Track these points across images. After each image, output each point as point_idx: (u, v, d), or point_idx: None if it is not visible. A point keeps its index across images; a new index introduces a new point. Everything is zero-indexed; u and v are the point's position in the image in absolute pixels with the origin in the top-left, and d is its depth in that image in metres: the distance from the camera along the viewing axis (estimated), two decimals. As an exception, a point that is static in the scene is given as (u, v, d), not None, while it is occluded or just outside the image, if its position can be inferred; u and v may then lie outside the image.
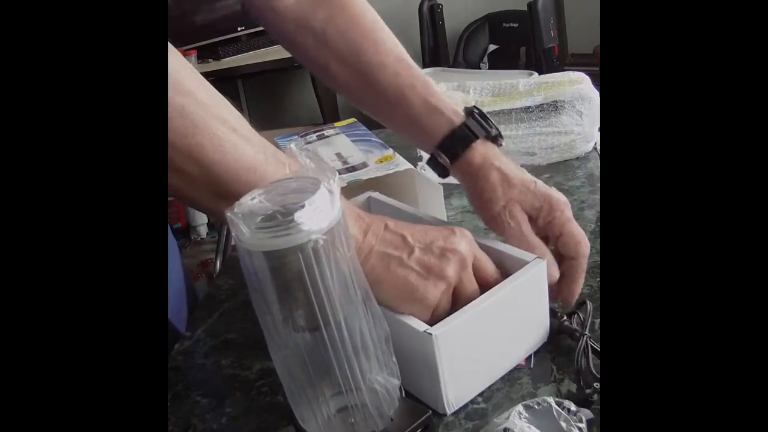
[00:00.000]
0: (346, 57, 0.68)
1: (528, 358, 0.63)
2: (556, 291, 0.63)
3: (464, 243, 0.56)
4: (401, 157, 0.86)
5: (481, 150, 0.64)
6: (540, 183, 0.63)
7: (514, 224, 0.61)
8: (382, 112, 0.70)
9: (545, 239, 0.62)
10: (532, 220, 0.62)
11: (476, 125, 0.65)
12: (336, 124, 1.06)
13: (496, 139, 0.66)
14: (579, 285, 0.62)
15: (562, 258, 0.62)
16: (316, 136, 1.03)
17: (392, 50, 0.69)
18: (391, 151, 0.89)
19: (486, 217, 0.64)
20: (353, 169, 0.87)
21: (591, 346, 0.60)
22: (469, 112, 0.66)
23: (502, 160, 0.64)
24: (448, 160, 0.65)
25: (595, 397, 0.55)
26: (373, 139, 0.97)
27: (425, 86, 0.67)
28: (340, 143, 0.98)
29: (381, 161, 0.88)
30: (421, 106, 0.66)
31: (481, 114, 0.66)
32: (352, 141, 0.99)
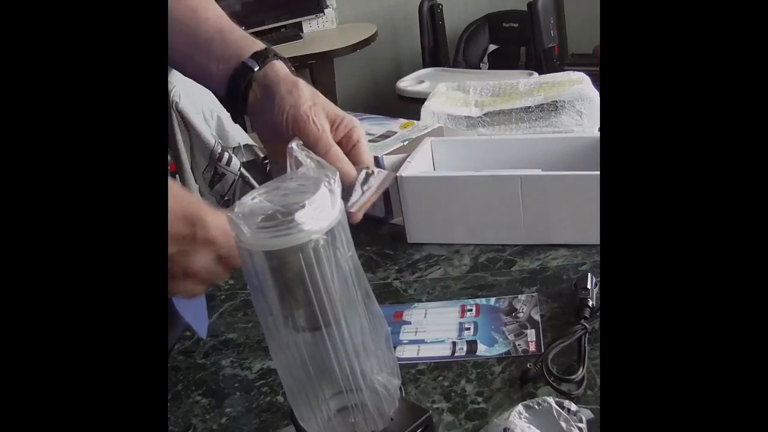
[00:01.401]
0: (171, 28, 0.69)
1: (533, 358, 0.63)
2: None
3: (201, 260, 0.55)
4: (418, 122, 0.99)
5: (285, 67, 0.67)
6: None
7: (318, 122, 0.62)
8: (199, 56, 0.70)
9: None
10: (332, 129, 0.64)
11: (275, 51, 0.68)
12: None
13: (289, 66, 0.69)
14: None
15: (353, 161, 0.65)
16: None
17: (218, 15, 0.71)
18: (402, 120, 1.00)
19: (292, 116, 0.63)
20: (384, 137, 0.96)
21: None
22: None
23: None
24: (256, 65, 0.66)
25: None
26: (367, 116, 1.03)
27: (244, 33, 0.71)
28: None
29: (405, 126, 1.00)
30: (239, 38, 0.69)
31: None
32: None
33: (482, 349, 0.67)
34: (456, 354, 0.67)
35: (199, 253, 0.54)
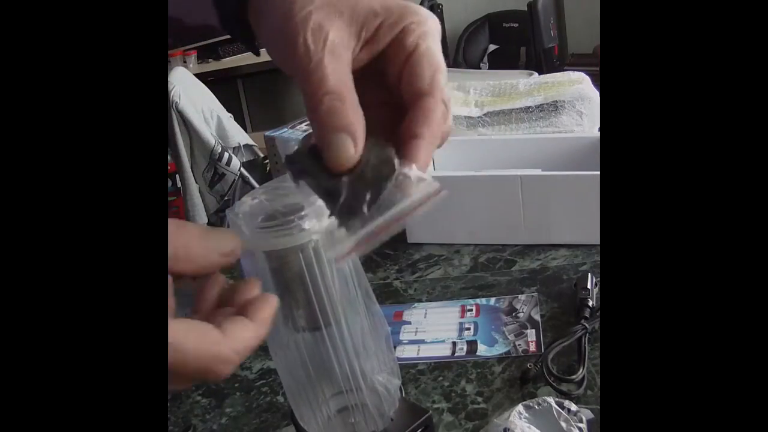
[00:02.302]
0: None
1: (533, 358, 0.63)
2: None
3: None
4: None
5: None
6: None
7: (312, 44, 0.33)
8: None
9: (383, 82, 0.37)
10: (367, 38, 0.35)
11: None
12: None
13: None
14: (437, 137, 0.35)
15: (411, 98, 0.35)
16: (306, 125, 1.04)
17: None
18: None
19: (282, 38, 0.35)
20: None
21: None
22: None
23: None
24: None
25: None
26: None
27: None
28: None
29: None
30: None
31: None
32: None
33: (482, 349, 0.67)
34: (456, 354, 0.67)
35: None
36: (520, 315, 0.71)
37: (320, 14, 0.34)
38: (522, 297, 0.74)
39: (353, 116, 0.33)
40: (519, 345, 0.67)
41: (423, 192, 0.33)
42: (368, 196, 0.33)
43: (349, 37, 0.34)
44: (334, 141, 0.33)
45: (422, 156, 0.34)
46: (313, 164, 0.34)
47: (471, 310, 0.74)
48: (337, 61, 0.33)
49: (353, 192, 0.33)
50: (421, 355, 0.68)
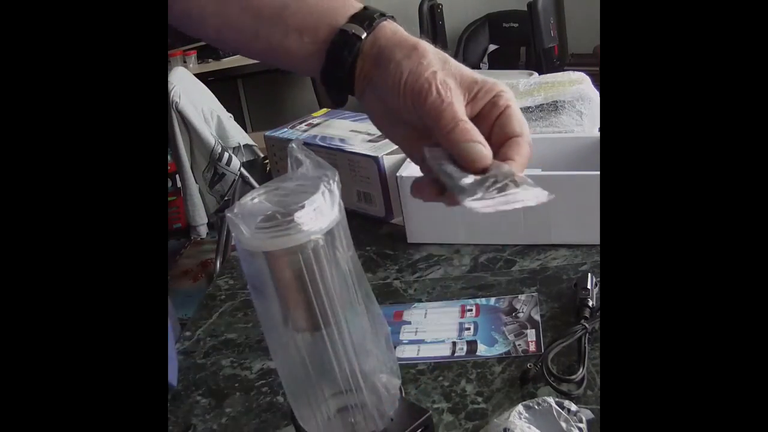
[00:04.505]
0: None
1: (533, 358, 0.63)
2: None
3: None
4: None
5: (397, 27, 0.52)
6: None
7: (443, 91, 0.46)
8: (264, 29, 0.55)
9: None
10: (469, 100, 0.48)
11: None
12: (314, 114, 1.08)
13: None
14: (525, 162, 0.48)
15: (501, 140, 0.48)
16: (306, 125, 1.04)
17: None
18: None
19: (411, 82, 0.47)
20: (384, 137, 0.92)
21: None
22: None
23: None
24: (362, 30, 0.51)
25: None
26: (366, 116, 1.03)
27: None
28: (343, 125, 1.00)
29: None
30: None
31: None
32: (352, 121, 1.02)
33: (482, 349, 0.67)
34: (456, 354, 0.67)
35: None
36: (520, 315, 0.71)
37: (443, 74, 0.47)
38: (522, 297, 0.74)
39: (479, 133, 0.46)
40: (519, 345, 0.67)
41: (533, 192, 0.44)
42: (493, 182, 0.43)
43: (460, 93, 0.47)
44: (471, 148, 0.45)
45: (525, 150, 0.48)
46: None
47: (471, 310, 0.74)
48: (460, 104, 0.47)
49: (483, 179, 0.44)
50: (421, 355, 0.68)
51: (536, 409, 0.53)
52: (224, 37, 0.58)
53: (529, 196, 0.44)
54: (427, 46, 0.49)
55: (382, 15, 0.52)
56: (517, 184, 0.44)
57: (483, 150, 0.45)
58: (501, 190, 0.43)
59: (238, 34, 0.56)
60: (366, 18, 0.51)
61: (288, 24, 0.53)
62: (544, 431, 0.51)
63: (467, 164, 0.45)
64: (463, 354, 0.67)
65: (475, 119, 0.48)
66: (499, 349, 0.67)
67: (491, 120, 0.48)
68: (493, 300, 0.75)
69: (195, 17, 0.57)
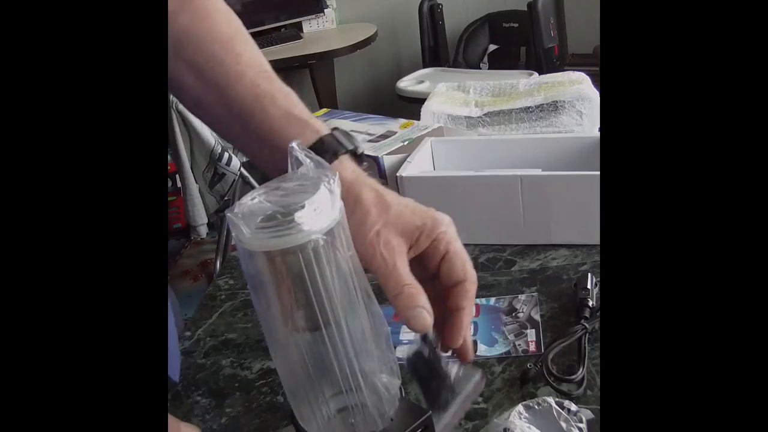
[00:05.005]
0: (202, 68, 0.62)
1: (532, 359, 0.63)
2: (444, 338, 0.52)
3: None
4: (418, 122, 0.98)
5: (350, 165, 0.55)
6: (417, 203, 0.54)
7: (386, 254, 0.50)
8: (235, 127, 0.61)
9: (424, 269, 0.52)
10: (412, 244, 0.52)
11: (344, 138, 0.57)
12: (314, 114, 1.09)
13: (361, 158, 0.58)
14: (468, 324, 0.52)
15: (447, 287, 0.52)
16: None
17: (253, 62, 0.62)
18: (402, 119, 0.99)
19: (357, 243, 0.49)
20: (384, 137, 0.94)
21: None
22: (333, 127, 0.59)
23: (372, 179, 0.55)
24: None
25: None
26: (367, 116, 1.02)
27: (288, 98, 0.60)
28: (343, 125, 1.01)
29: (405, 126, 0.98)
30: (282, 119, 0.59)
31: (345, 132, 0.59)
32: (352, 121, 1.02)
33: (482, 349, 0.67)
34: (455, 354, 0.67)
35: None
36: (520, 315, 0.71)
37: (385, 232, 0.50)
38: (522, 297, 0.74)
39: (425, 298, 0.49)
40: (519, 345, 0.67)
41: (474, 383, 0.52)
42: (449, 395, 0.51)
43: (403, 245, 0.51)
44: (416, 314, 0.48)
45: (466, 321, 0.51)
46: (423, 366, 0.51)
47: None
48: (404, 263, 0.50)
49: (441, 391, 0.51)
50: None
51: (536, 409, 0.53)
52: (200, 114, 0.65)
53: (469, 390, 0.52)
54: (368, 197, 0.52)
55: (335, 153, 0.55)
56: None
57: (427, 318, 0.48)
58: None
59: (213, 118, 0.63)
60: (321, 153, 0.53)
61: (250, 132, 0.59)
62: (544, 431, 0.51)
63: (412, 329, 0.49)
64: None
65: (421, 257, 0.52)
66: (499, 349, 0.67)
67: (436, 260, 0.52)
68: (493, 300, 0.75)
69: (174, 82, 0.63)
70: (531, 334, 0.68)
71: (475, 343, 0.68)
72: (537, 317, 0.70)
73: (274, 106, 0.59)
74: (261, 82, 0.61)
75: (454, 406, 0.51)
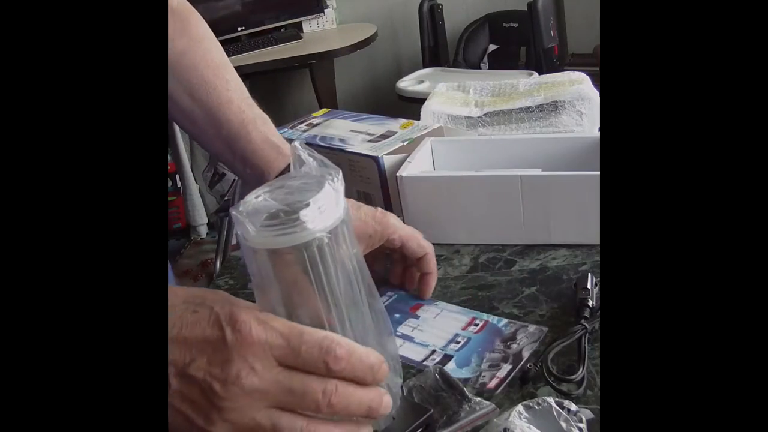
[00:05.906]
0: (196, 90, 0.73)
1: (531, 360, 0.63)
2: (420, 291, 0.73)
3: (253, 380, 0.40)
4: (418, 122, 1.00)
5: None
6: (366, 209, 0.68)
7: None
8: (220, 144, 0.74)
9: (389, 255, 0.69)
10: (370, 242, 0.66)
11: None
12: (314, 114, 1.09)
13: None
14: (434, 281, 0.73)
15: (415, 260, 0.70)
16: (306, 125, 1.05)
17: (238, 88, 0.75)
18: (402, 120, 0.99)
19: None
20: (384, 137, 0.94)
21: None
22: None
23: None
24: None
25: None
26: (367, 116, 1.02)
27: (266, 125, 0.73)
28: (343, 125, 1.00)
29: (405, 126, 0.98)
30: (262, 141, 0.72)
31: None
32: (352, 121, 1.02)
33: (451, 366, 0.63)
34: (426, 362, 0.64)
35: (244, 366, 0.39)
36: (513, 346, 0.66)
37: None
38: (531, 328, 0.68)
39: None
40: (483, 376, 0.62)
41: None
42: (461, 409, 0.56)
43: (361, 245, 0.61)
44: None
45: (432, 281, 0.73)
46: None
47: (477, 324, 0.70)
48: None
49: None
50: (401, 352, 0.65)
51: (536, 409, 0.53)
52: (187, 128, 0.76)
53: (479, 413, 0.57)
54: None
55: None
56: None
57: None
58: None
59: (200, 133, 0.74)
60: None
61: (235, 152, 0.71)
62: (544, 431, 0.52)
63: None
64: (432, 364, 0.63)
65: (383, 249, 0.69)
66: (464, 374, 0.62)
67: (396, 248, 0.69)
68: (504, 322, 0.70)
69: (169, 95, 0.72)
70: (504, 370, 0.63)
71: (449, 358, 0.65)
72: (526, 354, 0.65)
73: (256, 131, 0.72)
74: (246, 108, 0.73)
75: (462, 421, 0.55)
